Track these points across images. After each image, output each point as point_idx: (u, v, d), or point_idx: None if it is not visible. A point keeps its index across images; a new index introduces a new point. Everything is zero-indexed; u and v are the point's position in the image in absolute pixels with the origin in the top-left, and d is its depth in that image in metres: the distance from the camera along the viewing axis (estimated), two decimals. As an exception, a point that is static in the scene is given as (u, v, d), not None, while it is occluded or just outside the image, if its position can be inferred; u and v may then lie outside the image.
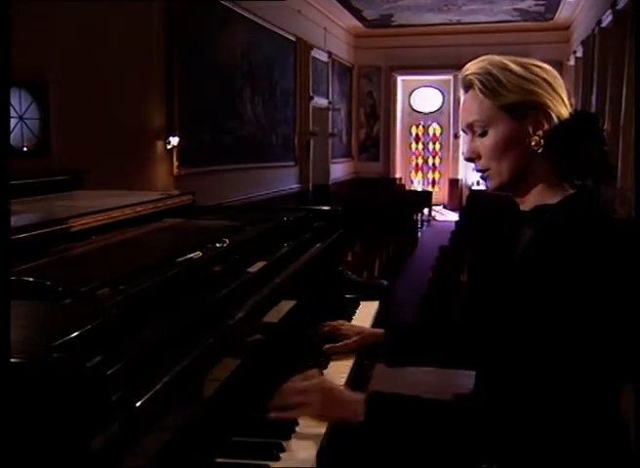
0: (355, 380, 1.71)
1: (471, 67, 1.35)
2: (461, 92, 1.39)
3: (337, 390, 1.42)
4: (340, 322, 1.88)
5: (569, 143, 1.30)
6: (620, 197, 6.34)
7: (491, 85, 1.30)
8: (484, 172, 1.37)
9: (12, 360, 0.79)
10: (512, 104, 1.30)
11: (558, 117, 1.30)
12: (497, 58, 1.34)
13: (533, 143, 1.30)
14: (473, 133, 1.36)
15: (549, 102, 1.30)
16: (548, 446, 1.18)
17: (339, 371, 1.67)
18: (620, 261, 1.17)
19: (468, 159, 1.39)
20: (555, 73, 1.34)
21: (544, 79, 1.31)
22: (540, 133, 1.30)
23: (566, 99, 1.33)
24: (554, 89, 1.31)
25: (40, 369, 0.80)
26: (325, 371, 1.66)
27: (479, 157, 1.36)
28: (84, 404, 0.80)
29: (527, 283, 1.23)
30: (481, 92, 1.32)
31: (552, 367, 1.16)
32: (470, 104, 1.35)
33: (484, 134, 1.33)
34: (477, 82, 1.32)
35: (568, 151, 1.30)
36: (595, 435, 1.21)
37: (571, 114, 1.32)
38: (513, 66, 1.31)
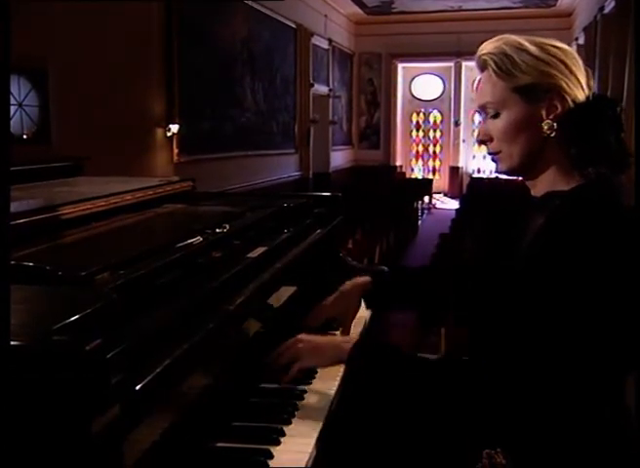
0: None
1: (487, 47, 1.32)
2: (477, 72, 1.36)
3: (316, 338, 1.48)
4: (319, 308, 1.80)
5: (582, 129, 1.26)
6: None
7: (505, 66, 1.27)
8: (495, 154, 1.34)
9: (12, 343, 0.79)
10: (526, 86, 1.26)
11: (574, 101, 1.26)
12: (513, 37, 1.30)
13: (545, 127, 1.26)
14: (486, 114, 1.33)
15: (565, 85, 1.26)
16: (552, 433, 1.18)
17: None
18: (628, 252, 1.15)
19: (481, 141, 1.36)
20: (574, 54, 1.30)
21: (562, 60, 1.26)
22: (553, 116, 1.26)
23: (584, 82, 1.28)
24: (571, 71, 1.27)
25: (40, 351, 0.80)
26: None
27: (491, 139, 1.33)
28: (84, 387, 0.80)
29: (535, 269, 1.21)
30: (494, 73, 1.29)
31: (558, 355, 1.15)
32: (484, 85, 1.32)
33: (496, 115, 1.31)
34: (491, 62, 1.29)
35: (581, 137, 1.26)
36: (599, 423, 1.21)
37: (587, 98, 1.28)
38: (529, 46, 1.27)
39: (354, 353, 1.36)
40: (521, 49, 1.27)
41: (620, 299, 1.14)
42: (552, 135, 1.27)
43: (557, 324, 1.15)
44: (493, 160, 1.37)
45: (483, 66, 1.33)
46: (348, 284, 1.78)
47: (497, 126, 1.31)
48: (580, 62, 1.30)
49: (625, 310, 1.14)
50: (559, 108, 1.26)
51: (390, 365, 1.33)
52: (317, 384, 1.50)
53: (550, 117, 1.27)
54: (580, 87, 1.28)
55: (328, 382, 1.51)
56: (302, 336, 1.48)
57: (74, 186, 2.24)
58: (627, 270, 1.14)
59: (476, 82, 1.37)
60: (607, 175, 1.26)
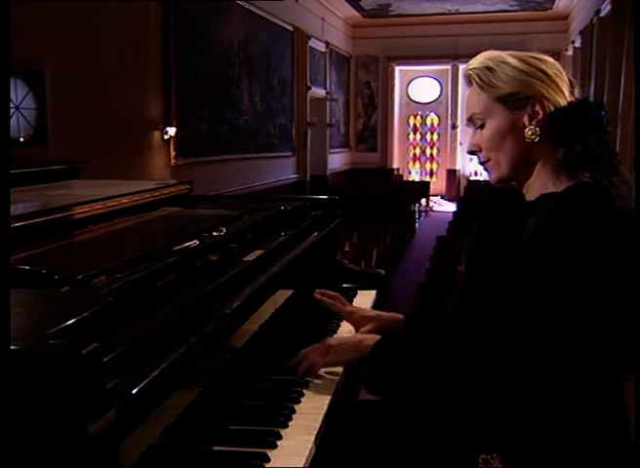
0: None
1: (473, 63, 1.39)
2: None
3: (341, 338, 1.61)
4: (349, 307, 1.84)
5: (564, 131, 1.30)
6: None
7: (486, 78, 1.34)
8: (485, 163, 1.40)
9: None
10: (507, 95, 1.32)
11: (555, 106, 1.31)
12: (495, 52, 1.37)
13: (529, 133, 1.31)
14: (475, 126, 1.40)
15: (545, 92, 1.31)
16: (548, 437, 1.18)
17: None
18: (622, 250, 1.16)
19: (470, 152, 1.43)
20: (557, 66, 1.35)
21: (541, 70, 1.32)
22: (536, 122, 1.31)
23: (566, 91, 1.33)
24: (552, 79, 1.32)
25: (36, 355, 0.80)
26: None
27: (480, 149, 1.39)
28: (80, 390, 0.80)
29: (529, 270, 1.22)
30: (478, 85, 1.36)
31: (553, 355, 1.16)
32: (470, 99, 1.40)
33: (483, 126, 1.37)
34: (475, 76, 1.36)
35: (564, 139, 1.30)
36: (596, 425, 1.21)
37: (569, 103, 1.32)
38: (510, 59, 1.34)
39: (375, 349, 1.42)
40: (502, 61, 1.34)
41: (613, 295, 1.15)
42: (536, 140, 1.31)
43: (553, 322, 1.16)
44: (485, 169, 1.43)
45: (469, 81, 1.40)
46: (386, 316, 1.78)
47: (483, 135, 1.37)
48: (564, 73, 1.35)
49: (621, 307, 1.15)
50: (541, 114, 1.31)
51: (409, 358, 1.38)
52: (314, 387, 1.50)
53: (533, 123, 1.31)
54: (561, 94, 1.32)
55: (325, 385, 1.51)
56: (329, 340, 1.59)
57: (71, 189, 2.24)
58: (621, 269, 1.15)
59: (465, 97, 1.44)
60: (598, 176, 1.28)
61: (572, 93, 1.34)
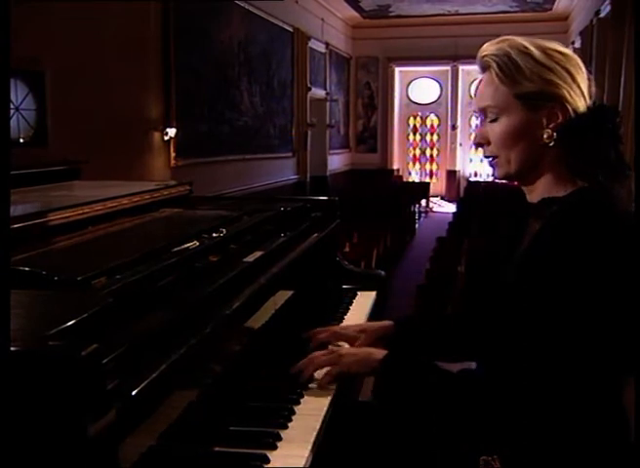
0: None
1: (489, 48, 1.30)
2: (478, 72, 1.34)
3: (356, 348, 1.56)
4: (334, 328, 1.78)
5: (582, 140, 1.25)
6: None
7: (508, 70, 1.25)
8: (492, 158, 1.33)
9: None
10: (529, 94, 1.25)
11: (575, 110, 1.25)
12: (518, 39, 1.28)
13: (545, 136, 1.25)
14: (485, 117, 1.32)
15: (567, 95, 1.24)
16: (548, 439, 1.17)
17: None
18: (624, 256, 1.14)
19: (477, 144, 1.35)
20: (578, 61, 1.28)
21: (565, 68, 1.25)
22: (554, 126, 1.25)
23: (585, 90, 1.27)
24: (574, 79, 1.25)
25: (36, 357, 0.80)
26: None
27: (488, 143, 1.32)
28: (79, 392, 0.80)
29: (531, 273, 1.21)
30: (497, 76, 1.27)
31: (553, 358, 1.15)
32: (485, 88, 1.31)
33: (495, 120, 1.29)
34: (494, 65, 1.27)
35: (581, 148, 1.26)
36: (596, 427, 1.21)
37: (588, 108, 1.26)
38: (534, 51, 1.25)
39: (386, 364, 1.38)
40: (525, 53, 1.25)
41: (616, 300, 1.14)
42: (551, 144, 1.26)
43: (554, 330, 1.15)
44: (490, 164, 1.36)
45: (485, 67, 1.31)
46: (369, 326, 1.74)
47: (495, 130, 1.30)
48: (583, 69, 1.28)
49: (623, 311, 1.14)
50: (560, 117, 1.25)
51: (418, 378, 1.33)
52: (314, 388, 1.50)
53: (551, 126, 1.25)
54: (581, 96, 1.26)
55: (325, 387, 1.51)
56: (339, 349, 1.55)
57: (71, 190, 2.24)
58: (624, 274, 1.14)
59: (477, 83, 1.35)
60: (603, 183, 1.25)
61: (589, 92, 1.28)
